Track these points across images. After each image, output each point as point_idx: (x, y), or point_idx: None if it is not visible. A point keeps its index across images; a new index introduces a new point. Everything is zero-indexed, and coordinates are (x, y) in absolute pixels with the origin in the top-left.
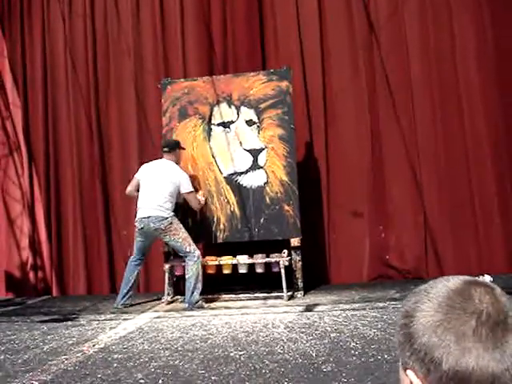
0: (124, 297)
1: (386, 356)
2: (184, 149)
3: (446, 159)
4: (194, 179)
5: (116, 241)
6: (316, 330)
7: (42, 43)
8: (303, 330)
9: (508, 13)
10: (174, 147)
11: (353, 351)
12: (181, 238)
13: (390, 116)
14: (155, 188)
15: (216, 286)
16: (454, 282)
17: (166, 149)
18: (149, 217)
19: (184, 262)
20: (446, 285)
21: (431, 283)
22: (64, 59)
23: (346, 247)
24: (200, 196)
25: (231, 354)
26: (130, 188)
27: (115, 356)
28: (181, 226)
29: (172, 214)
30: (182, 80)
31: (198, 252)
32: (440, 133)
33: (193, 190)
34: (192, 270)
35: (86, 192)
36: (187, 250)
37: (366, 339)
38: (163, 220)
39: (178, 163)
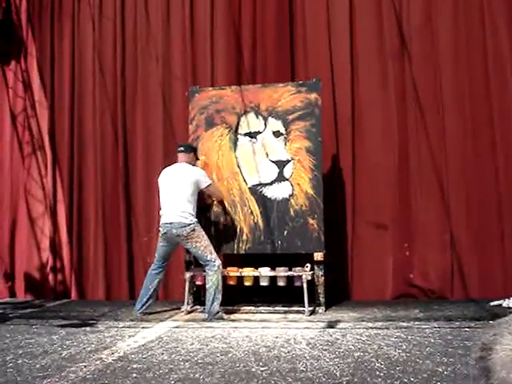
0: (143, 305)
1: (412, 379)
2: (198, 159)
3: (476, 176)
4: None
5: (136, 247)
6: (339, 348)
7: (71, 45)
8: (326, 347)
9: None
10: (189, 149)
11: (378, 372)
12: (202, 245)
13: (419, 129)
14: (176, 193)
15: (237, 297)
16: None
17: (181, 148)
18: (171, 223)
19: (205, 271)
20: None
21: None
22: (92, 62)
23: (370, 264)
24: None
25: (253, 370)
26: None
27: (134, 366)
28: (203, 233)
29: (195, 220)
30: (209, 88)
31: (218, 261)
32: (470, 148)
33: (211, 181)
34: (212, 279)
35: (109, 196)
36: (208, 258)
37: (390, 360)
38: (186, 226)
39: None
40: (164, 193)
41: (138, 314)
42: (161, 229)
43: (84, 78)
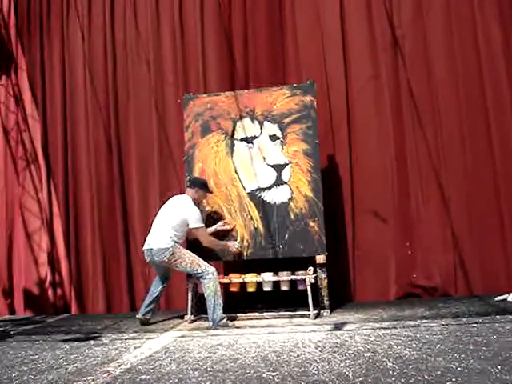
0: (146, 307)
1: (426, 377)
2: (211, 192)
3: (475, 172)
4: (224, 224)
5: (135, 259)
6: (349, 350)
7: (61, 57)
8: (335, 349)
9: None
10: (194, 184)
11: (391, 372)
12: (188, 263)
13: (416, 128)
14: (162, 220)
15: (240, 304)
16: None
17: (187, 183)
18: (151, 249)
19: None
20: None
21: None
22: (83, 73)
23: (372, 264)
24: (236, 243)
25: (264, 375)
26: None
27: (143, 377)
28: (184, 251)
29: (172, 243)
30: (204, 95)
31: (211, 269)
32: (468, 145)
33: (201, 225)
34: (209, 287)
35: (105, 208)
36: (199, 271)
37: (402, 359)
38: (165, 252)
39: (197, 202)
40: (156, 218)
41: (141, 316)
42: (145, 256)
43: (75, 89)
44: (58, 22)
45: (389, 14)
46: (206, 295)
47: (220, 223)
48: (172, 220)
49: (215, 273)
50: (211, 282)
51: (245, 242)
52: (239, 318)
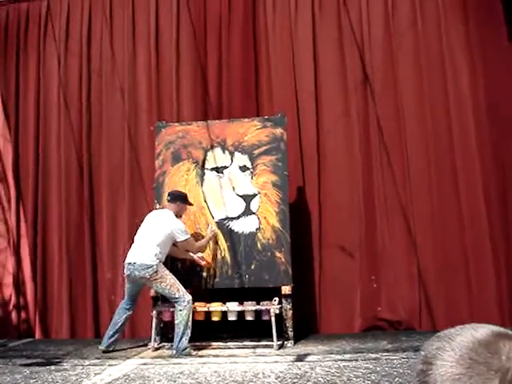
0: (110, 338)
1: None
2: (191, 204)
3: (440, 209)
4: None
5: (101, 284)
6: (308, 381)
7: (37, 80)
8: (295, 380)
9: (500, 63)
10: (176, 198)
11: None
12: (168, 284)
13: (383, 162)
14: (145, 235)
15: (204, 332)
16: (482, 332)
17: (168, 197)
18: (134, 263)
19: (173, 307)
20: (473, 334)
21: (457, 329)
22: (57, 97)
23: (337, 296)
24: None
25: None
26: None
27: None
28: (167, 272)
29: (157, 261)
30: (176, 124)
31: (188, 297)
32: (434, 182)
33: (187, 237)
34: (182, 315)
35: (74, 232)
36: (176, 296)
37: None
38: (148, 268)
39: (179, 215)
40: (137, 234)
41: (104, 347)
42: (125, 270)
43: (49, 111)
44: (34, 43)
45: (360, 50)
46: (176, 322)
47: (199, 255)
48: (156, 237)
49: (191, 302)
50: (185, 310)
51: (211, 271)
52: (203, 347)
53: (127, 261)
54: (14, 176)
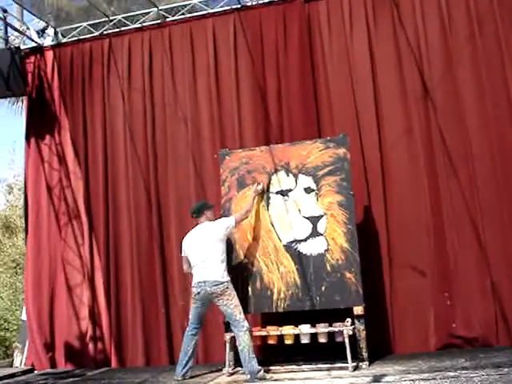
0: (184, 368)
1: None
2: (213, 206)
3: (510, 218)
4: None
5: (174, 311)
6: None
7: (103, 116)
8: None
9: None
10: (201, 211)
11: None
12: (233, 304)
13: (449, 176)
14: (205, 253)
15: (278, 356)
16: None
17: (195, 215)
18: (205, 281)
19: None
20: None
21: None
22: (123, 131)
23: (411, 315)
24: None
25: None
26: (185, 266)
27: None
28: (235, 293)
29: (228, 278)
30: (239, 150)
31: (247, 323)
32: (502, 191)
33: (232, 218)
34: (244, 340)
35: (144, 262)
36: (237, 318)
37: None
38: (219, 284)
39: (213, 220)
40: (193, 258)
41: (180, 377)
42: (194, 289)
43: (116, 146)
44: (99, 80)
45: (419, 65)
46: (240, 348)
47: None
48: (217, 251)
49: (250, 328)
50: (246, 335)
51: (282, 294)
52: (277, 371)
53: (197, 280)
54: (86, 211)
